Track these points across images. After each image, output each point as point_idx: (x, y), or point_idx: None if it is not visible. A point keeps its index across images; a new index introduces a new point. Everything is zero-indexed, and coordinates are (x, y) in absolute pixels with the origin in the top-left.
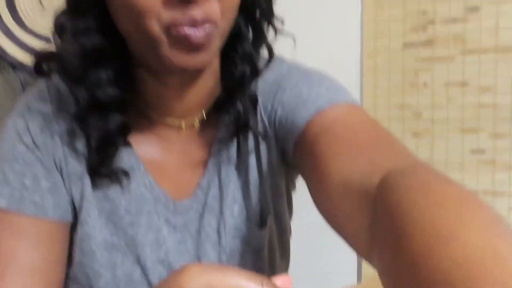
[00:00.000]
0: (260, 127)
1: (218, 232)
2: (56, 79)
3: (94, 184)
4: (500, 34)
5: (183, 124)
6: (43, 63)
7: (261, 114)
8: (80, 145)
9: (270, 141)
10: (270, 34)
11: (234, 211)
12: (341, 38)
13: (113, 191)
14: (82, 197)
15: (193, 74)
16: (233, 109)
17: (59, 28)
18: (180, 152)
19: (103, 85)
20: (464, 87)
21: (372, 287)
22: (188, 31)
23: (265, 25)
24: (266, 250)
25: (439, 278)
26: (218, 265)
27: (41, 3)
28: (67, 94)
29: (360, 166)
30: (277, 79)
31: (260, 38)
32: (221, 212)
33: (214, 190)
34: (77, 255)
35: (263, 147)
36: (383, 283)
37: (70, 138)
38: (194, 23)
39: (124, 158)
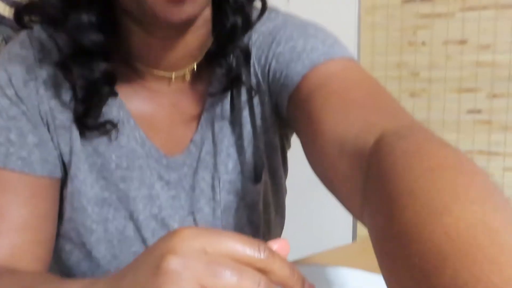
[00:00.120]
0: (253, 81)
1: (213, 188)
2: (37, 30)
3: (83, 137)
4: None
5: (173, 76)
6: (24, 14)
7: (254, 67)
8: (66, 96)
9: (264, 95)
10: None
11: (229, 166)
12: None
13: (103, 145)
14: (71, 151)
15: (180, 27)
16: (224, 61)
17: None
18: (171, 106)
19: (85, 29)
20: (463, 45)
21: (367, 246)
22: None
23: None
24: (261, 205)
25: (431, 251)
26: (212, 229)
27: None
28: (50, 43)
29: (355, 126)
30: (272, 31)
31: None
32: (215, 167)
33: (208, 146)
34: (67, 211)
35: (256, 101)
36: (374, 248)
37: (55, 90)
38: None
39: (113, 111)
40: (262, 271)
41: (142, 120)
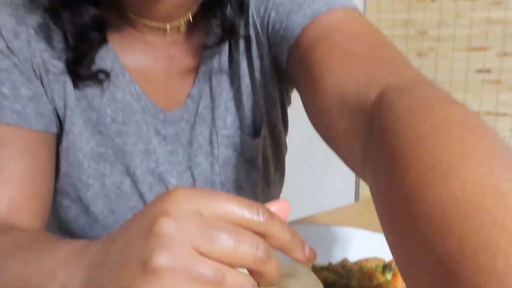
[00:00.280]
0: (251, 32)
1: (211, 143)
2: None
3: (77, 90)
4: None
5: (168, 27)
6: None
7: (253, 17)
8: (59, 47)
9: (263, 48)
10: None
11: (227, 121)
12: None
13: (98, 99)
14: (65, 105)
15: None
16: (220, 12)
17: None
18: (167, 59)
19: None
20: (474, 1)
21: (370, 207)
22: None
23: None
24: (260, 161)
25: (436, 214)
26: (209, 190)
27: None
28: None
29: (357, 79)
30: None
31: None
32: (213, 122)
33: (206, 100)
34: (63, 166)
35: (255, 53)
36: (376, 208)
37: (47, 42)
38: None
39: (107, 63)
40: (261, 234)
41: (138, 74)
